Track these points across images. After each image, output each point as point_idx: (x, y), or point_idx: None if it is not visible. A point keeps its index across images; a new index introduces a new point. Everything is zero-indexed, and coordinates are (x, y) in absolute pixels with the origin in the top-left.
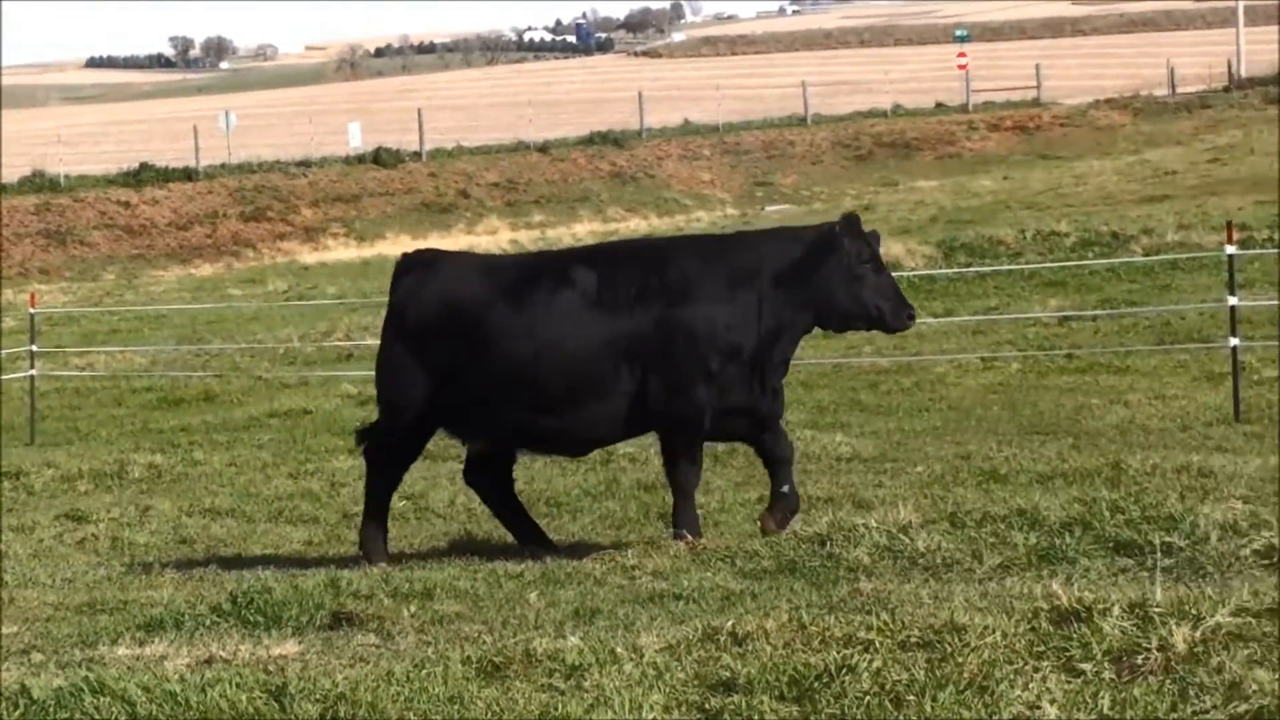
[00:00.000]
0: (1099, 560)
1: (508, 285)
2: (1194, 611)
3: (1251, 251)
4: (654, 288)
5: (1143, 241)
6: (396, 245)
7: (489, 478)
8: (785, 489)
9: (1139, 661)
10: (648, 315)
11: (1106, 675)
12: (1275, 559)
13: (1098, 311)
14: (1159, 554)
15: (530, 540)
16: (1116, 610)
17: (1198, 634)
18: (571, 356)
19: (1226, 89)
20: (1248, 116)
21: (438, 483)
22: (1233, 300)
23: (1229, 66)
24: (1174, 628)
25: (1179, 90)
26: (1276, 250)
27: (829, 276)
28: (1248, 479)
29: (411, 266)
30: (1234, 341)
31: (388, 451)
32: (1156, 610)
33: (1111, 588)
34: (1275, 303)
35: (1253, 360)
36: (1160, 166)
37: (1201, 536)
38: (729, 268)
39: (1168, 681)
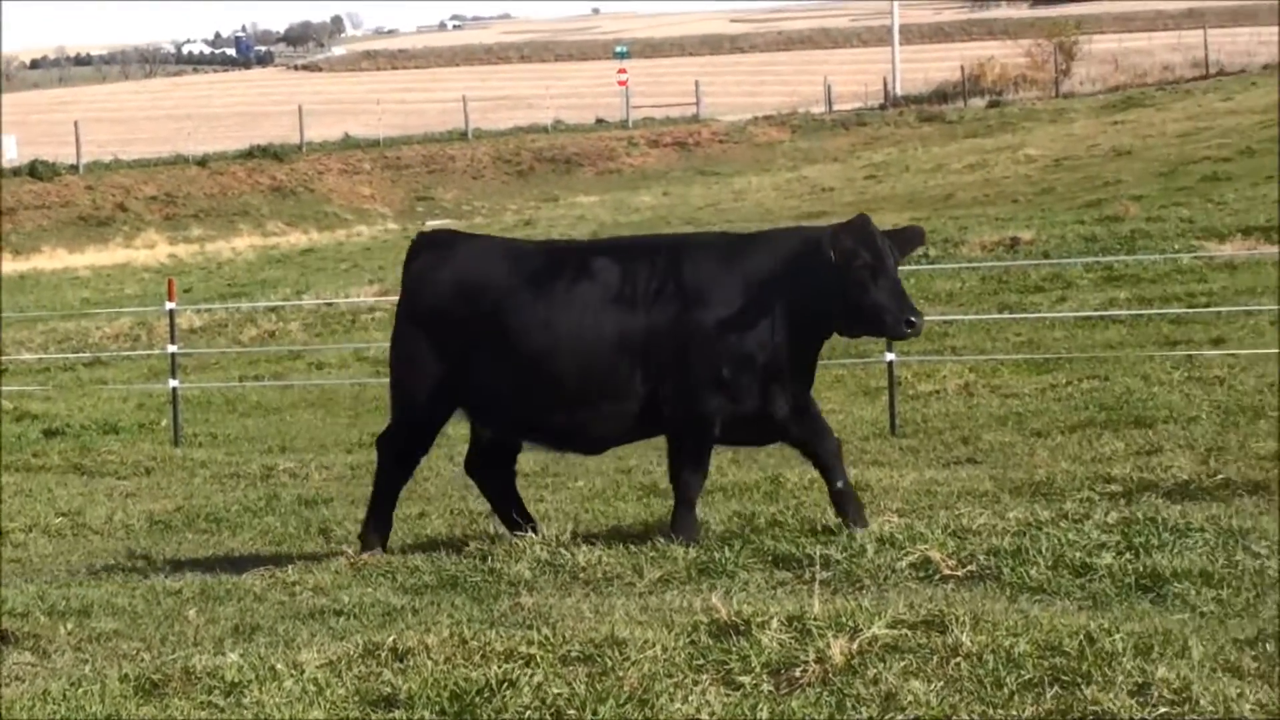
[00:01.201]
0: (758, 573)
1: (527, 271)
2: (851, 623)
3: (908, 268)
4: (672, 287)
5: None
6: (53, 259)
7: (489, 470)
8: (840, 484)
9: (797, 674)
10: (664, 315)
11: (765, 687)
12: (930, 571)
13: None
14: (817, 567)
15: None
16: (775, 623)
17: (854, 646)
18: (587, 352)
19: (882, 106)
20: (903, 134)
21: (94, 499)
22: None
23: (885, 84)
24: (831, 640)
25: (836, 108)
26: (929, 265)
27: (826, 282)
28: (904, 492)
29: (426, 246)
30: (890, 356)
31: (400, 441)
32: (814, 622)
33: (770, 600)
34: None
35: (908, 375)
36: (818, 183)
37: (858, 549)
38: (746, 269)
39: (825, 693)
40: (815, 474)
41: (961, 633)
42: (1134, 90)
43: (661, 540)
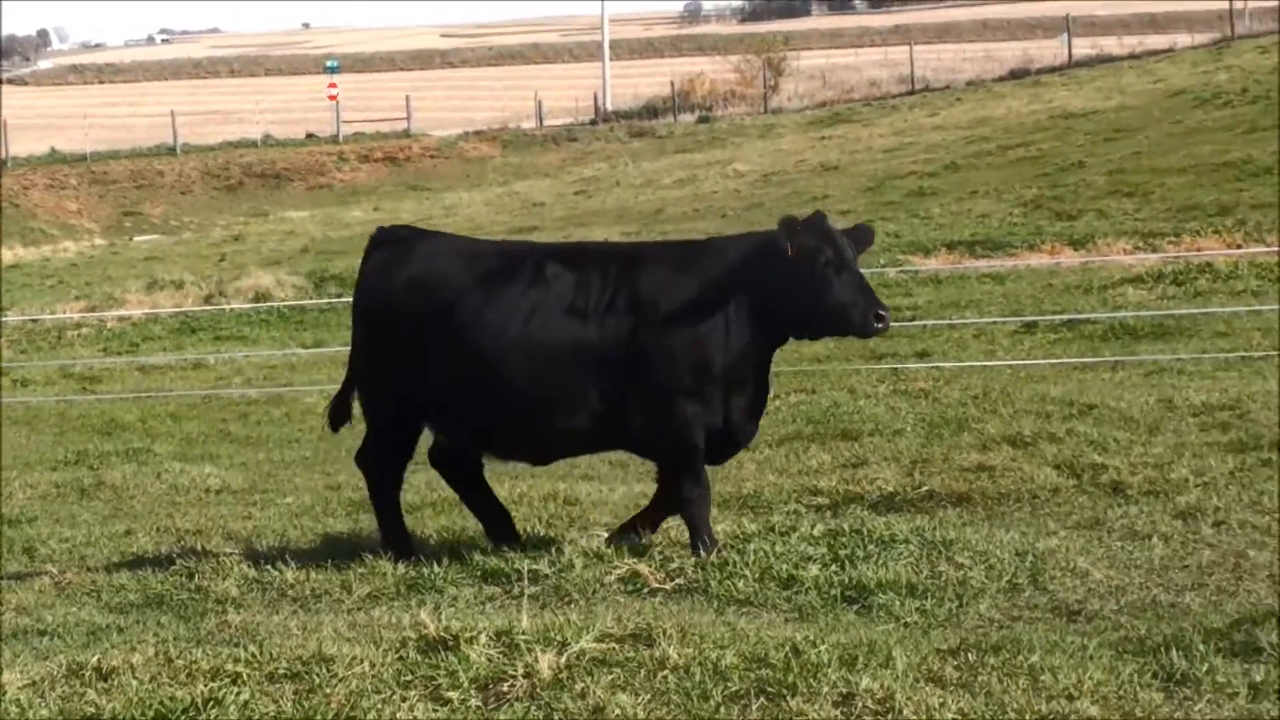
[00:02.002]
0: (467, 589)
1: (483, 273)
2: (559, 638)
3: None
4: (624, 299)
5: None
6: None
7: (456, 461)
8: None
9: (505, 689)
10: (617, 326)
11: (473, 703)
12: (638, 585)
13: None
14: (525, 582)
15: (496, 531)
16: (483, 638)
17: (563, 660)
18: (541, 362)
19: (593, 122)
20: (613, 149)
21: None
22: None
23: (595, 100)
24: (539, 654)
25: (547, 123)
26: None
27: (786, 282)
28: (613, 506)
29: (383, 243)
30: None
31: (379, 452)
32: (523, 637)
33: (479, 616)
34: None
35: None
36: (529, 198)
37: (567, 564)
38: (702, 278)
39: (533, 708)
40: (524, 488)
41: (669, 646)
42: (841, 106)
43: (370, 556)
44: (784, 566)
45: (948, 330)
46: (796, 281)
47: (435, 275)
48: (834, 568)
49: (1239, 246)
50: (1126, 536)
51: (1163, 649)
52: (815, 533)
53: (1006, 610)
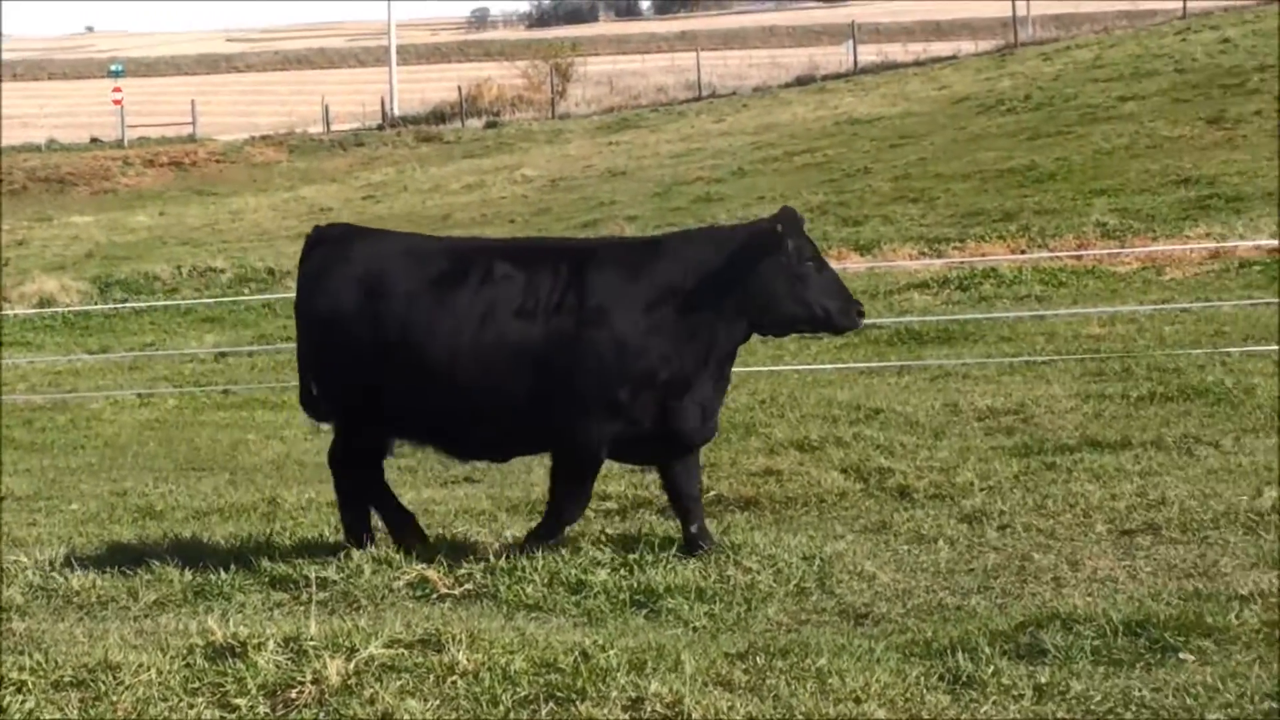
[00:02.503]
0: (255, 595)
1: (430, 275)
2: (348, 644)
3: None
4: (570, 301)
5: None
6: None
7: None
8: (695, 529)
9: (293, 695)
10: (560, 329)
11: (261, 709)
12: (427, 590)
13: (254, 347)
14: (314, 588)
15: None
16: (271, 644)
17: (351, 666)
18: (484, 364)
19: (380, 127)
20: (401, 154)
21: None
22: None
23: (382, 105)
24: (328, 660)
25: (334, 128)
26: None
27: (769, 279)
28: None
29: (320, 241)
30: None
31: (344, 450)
32: (311, 643)
33: (267, 622)
34: None
35: None
36: (316, 203)
37: (355, 569)
38: (651, 282)
39: (322, 714)
40: (313, 493)
41: (458, 651)
42: (629, 112)
43: (156, 562)
44: (573, 571)
45: None
46: (781, 279)
47: (375, 277)
48: (623, 572)
49: (1023, 252)
50: (913, 540)
51: (949, 651)
52: (604, 537)
53: (794, 614)
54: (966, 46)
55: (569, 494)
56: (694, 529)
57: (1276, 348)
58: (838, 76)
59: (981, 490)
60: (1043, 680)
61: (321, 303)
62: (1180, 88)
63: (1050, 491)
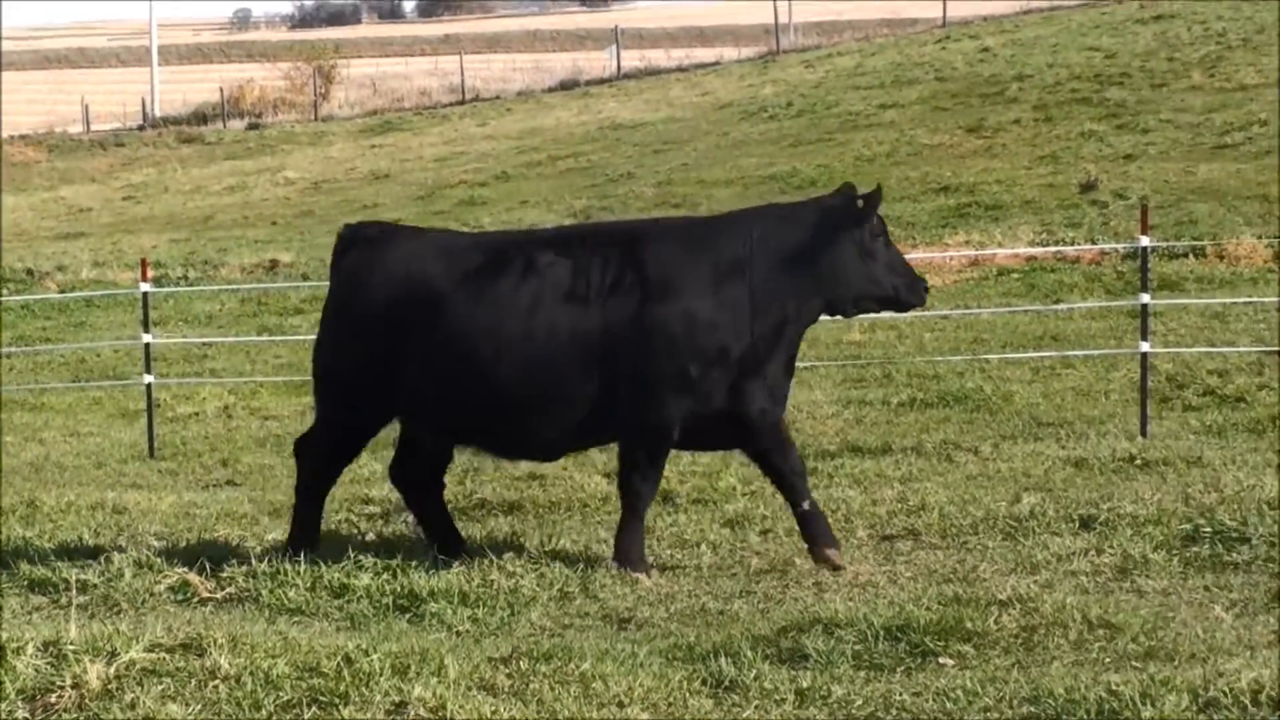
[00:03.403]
0: (14, 599)
1: (469, 269)
2: (108, 648)
3: (166, 289)
4: (630, 281)
5: (57, 278)
6: None
7: (416, 477)
8: (807, 505)
9: (53, 699)
10: (622, 312)
11: (20, 714)
12: (189, 594)
13: (13, 349)
14: (74, 591)
15: (444, 545)
16: (30, 649)
17: (112, 670)
18: (536, 356)
19: (141, 127)
20: (162, 155)
21: None
22: (147, 338)
23: (143, 105)
24: (88, 665)
25: (94, 128)
26: (188, 287)
27: (843, 255)
28: (162, 515)
29: (356, 242)
30: (149, 379)
31: (325, 444)
32: (70, 648)
33: (26, 626)
34: (186, 340)
35: (167, 397)
36: (75, 204)
37: (116, 573)
38: (715, 257)
39: (81, 718)
40: (73, 495)
41: (220, 655)
42: (392, 115)
43: None
44: (336, 575)
45: None
46: (854, 255)
47: (415, 275)
48: (386, 576)
49: None
50: (676, 544)
51: (712, 656)
52: (367, 541)
53: (558, 618)
54: (729, 53)
55: (644, 479)
56: (805, 506)
57: (1034, 354)
58: (601, 81)
59: (744, 495)
60: (804, 684)
61: (358, 300)
62: (940, 96)
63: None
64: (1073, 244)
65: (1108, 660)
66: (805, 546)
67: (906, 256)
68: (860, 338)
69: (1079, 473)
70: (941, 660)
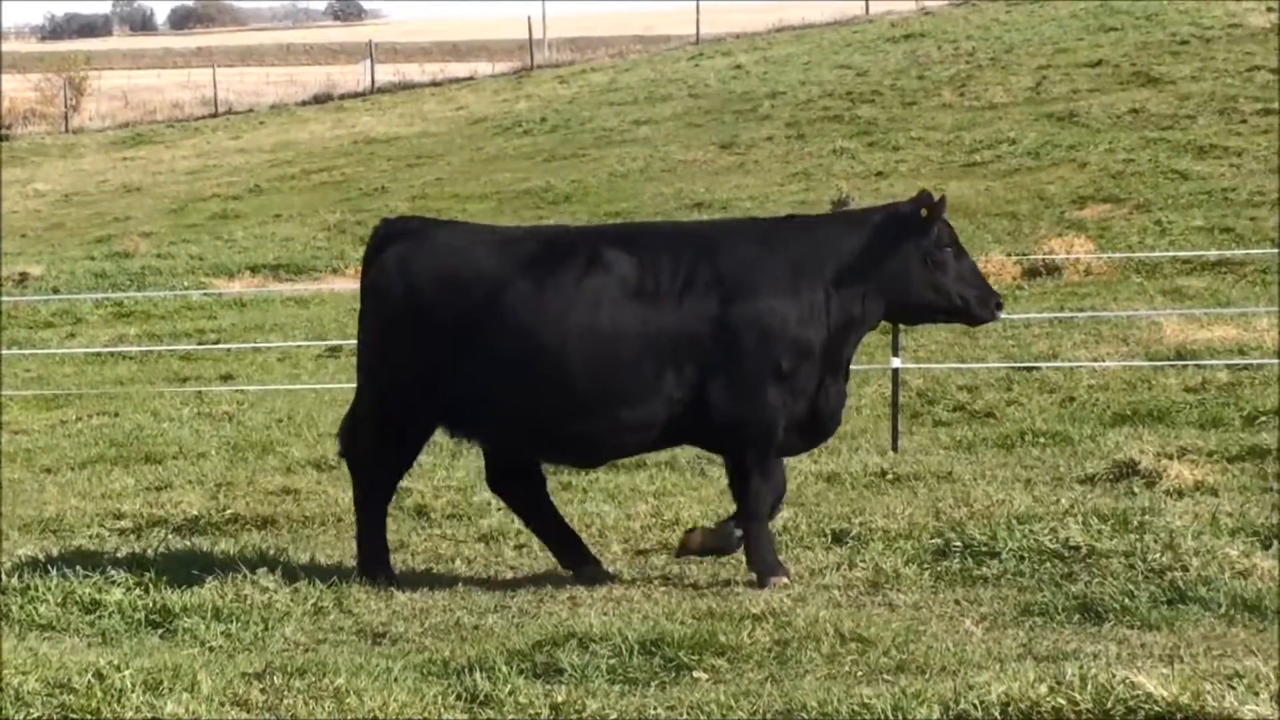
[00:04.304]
0: None
1: (524, 261)
2: None
3: None
4: (706, 278)
5: None
6: None
7: (517, 482)
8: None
9: None
10: (701, 309)
11: None
12: None
13: None
14: None
15: (572, 559)
16: None
17: None
18: (612, 356)
19: None
20: None
21: None
22: None
23: None
24: None
25: None
26: None
27: (907, 263)
28: None
29: (395, 235)
30: None
31: (376, 455)
32: None
33: None
34: None
35: None
36: None
37: None
38: (789, 258)
39: None
40: None
41: None
42: (144, 127)
43: None
44: (87, 591)
45: (252, 354)
46: (919, 264)
47: (466, 267)
48: (138, 592)
49: None
50: (431, 559)
51: (466, 670)
52: (119, 556)
53: (312, 633)
54: (484, 68)
55: (763, 478)
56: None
57: None
58: (355, 95)
59: (498, 510)
60: (559, 699)
61: (403, 295)
62: (693, 113)
63: (567, 512)
64: None
65: (860, 673)
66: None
67: None
68: None
69: (831, 487)
70: (696, 674)
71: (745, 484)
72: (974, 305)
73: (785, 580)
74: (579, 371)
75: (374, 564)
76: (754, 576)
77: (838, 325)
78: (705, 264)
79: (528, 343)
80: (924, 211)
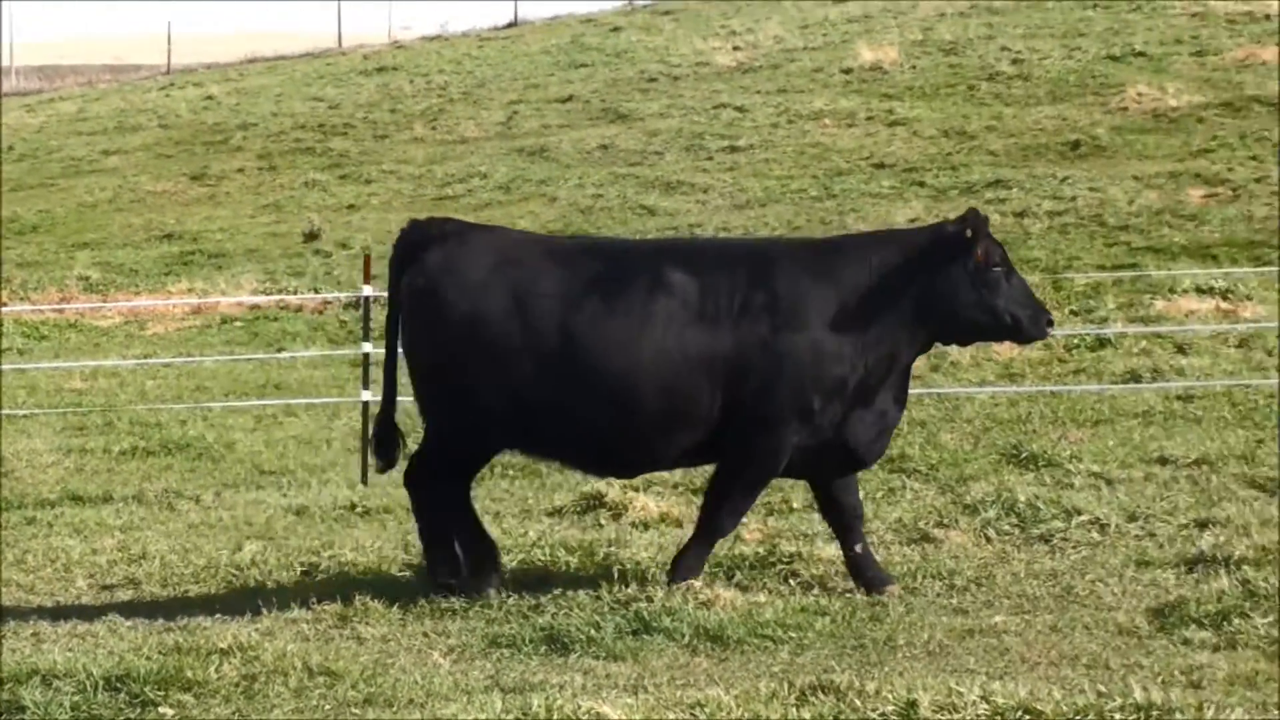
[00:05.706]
0: None
1: (584, 274)
2: None
3: None
4: (758, 303)
5: None
6: None
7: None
8: (859, 549)
9: None
10: (753, 334)
11: None
12: None
13: None
14: None
15: (479, 568)
16: None
17: None
18: (668, 370)
19: None
20: None
21: None
22: None
23: None
24: None
25: None
26: None
27: (955, 284)
28: None
29: (433, 239)
30: None
31: (441, 461)
32: None
33: None
34: None
35: None
36: None
37: None
38: (839, 284)
39: None
40: None
41: None
42: None
43: None
44: None
45: None
46: (966, 284)
47: (522, 273)
48: None
49: (3, 305)
50: None
51: None
52: None
53: None
54: None
55: (733, 506)
56: (858, 549)
57: (257, 402)
58: None
59: None
60: None
61: (453, 301)
62: (164, 143)
63: (31, 546)
64: (296, 293)
65: (328, 707)
66: (861, 587)
67: (128, 304)
68: (81, 385)
69: (300, 520)
70: (162, 710)
71: (721, 502)
72: (1026, 324)
73: (697, 584)
74: (642, 385)
75: (443, 569)
76: (671, 570)
77: (881, 353)
78: (761, 289)
79: (599, 361)
80: (968, 232)
